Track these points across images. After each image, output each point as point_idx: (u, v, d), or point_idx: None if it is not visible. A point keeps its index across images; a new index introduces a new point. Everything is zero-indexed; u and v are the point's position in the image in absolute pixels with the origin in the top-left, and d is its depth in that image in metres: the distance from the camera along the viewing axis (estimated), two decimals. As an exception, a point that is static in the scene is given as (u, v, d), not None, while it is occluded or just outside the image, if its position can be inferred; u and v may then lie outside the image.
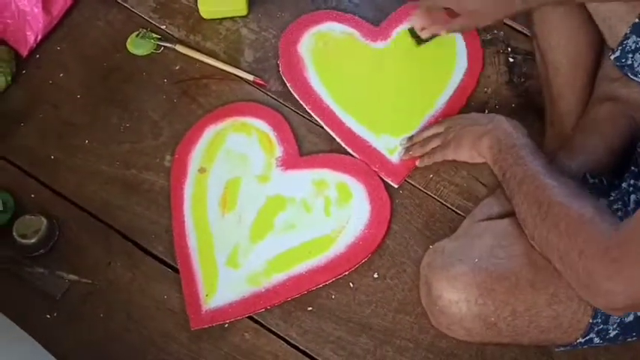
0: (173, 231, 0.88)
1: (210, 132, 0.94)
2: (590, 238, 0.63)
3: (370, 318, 0.85)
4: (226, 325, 0.84)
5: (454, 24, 0.85)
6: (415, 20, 0.90)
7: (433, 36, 0.91)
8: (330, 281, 0.86)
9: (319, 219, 0.88)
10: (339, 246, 0.87)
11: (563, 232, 0.65)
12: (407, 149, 0.92)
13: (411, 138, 0.93)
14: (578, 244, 0.63)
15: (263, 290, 0.84)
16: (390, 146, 0.93)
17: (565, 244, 0.65)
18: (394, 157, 0.93)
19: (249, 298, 0.84)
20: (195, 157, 0.92)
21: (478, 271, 0.70)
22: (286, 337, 0.84)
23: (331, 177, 0.91)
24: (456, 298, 0.70)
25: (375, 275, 0.87)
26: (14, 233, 0.84)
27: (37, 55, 1.00)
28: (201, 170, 0.91)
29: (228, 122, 0.94)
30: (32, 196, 0.90)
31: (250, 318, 0.84)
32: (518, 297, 0.69)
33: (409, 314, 0.85)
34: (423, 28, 0.89)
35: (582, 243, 0.63)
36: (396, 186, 0.92)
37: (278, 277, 0.85)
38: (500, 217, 0.77)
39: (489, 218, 0.78)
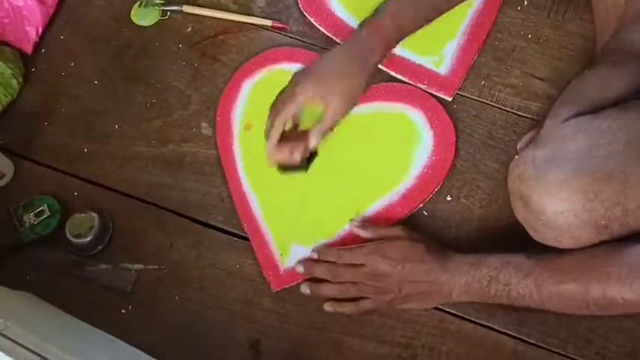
0: (232, 197, 0.83)
1: (247, 86, 0.88)
2: None
3: (454, 241, 0.80)
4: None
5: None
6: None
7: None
8: (405, 217, 0.81)
9: (383, 154, 0.83)
10: (409, 179, 0.81)
11: None
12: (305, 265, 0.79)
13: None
14: None
15: (338, 239, 0.80)
16: (436, 59, 0.87)
17: None
18: (441, 70, 0.87)
19: None
20: (238, 115, 0.86)
21: (580, 175, 0.64)
22: (371, 281, 0.80)
23: (386, 108, 0.85)
24: (561, 208, 0.64)
25: (448, 198, 0.83)
26: (68, 235, 0.81)
27: (43, 50, 0.94)
28: (247, 127, 0.86)
29: (264, 73, 0.88)
30: (75, 194, 0.86)
31: (329, 269, 0.80)
32: (629, 194, 0.63)
33: (493, 230, 0.81)
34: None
35: None
36: (449, 99, 0.86)
37: (351, 223, 0.80)
38: (590, 110, 0.70)
39: (577, 114, 0.70)
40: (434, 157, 0.82)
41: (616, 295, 0.65)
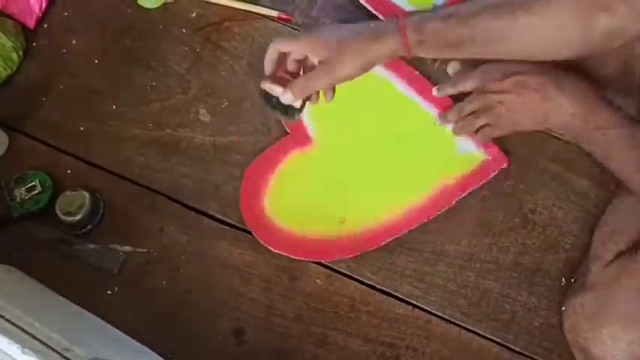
0: None
1: None
2: None
3: (444, 245, 0.80)
4: (296, 274, 0.79)
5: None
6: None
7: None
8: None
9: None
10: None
11: None
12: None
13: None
14: None
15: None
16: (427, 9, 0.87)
17: None
18: None
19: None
20: None
21: (632, 325, 0.66)
22: (360, 278, 0.79)
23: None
24: (620, 357, 0.67)
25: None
26: (58, 212, 0.80)
27: (45, 25, 0.93)
28: None
29: None
30: (68, 171, 0.85)
31: (318, 263, 0.80)
32: None
33: (486, 236, 0.80)
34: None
35: None
36: None
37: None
38: (629, 244, 0.71)
39: (619, 254, 0.71)
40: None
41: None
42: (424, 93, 0.85)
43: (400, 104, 0.86)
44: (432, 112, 0.85)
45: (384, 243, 0.80)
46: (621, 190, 0.77)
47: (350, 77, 0.71)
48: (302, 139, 0.85)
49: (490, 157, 0.82)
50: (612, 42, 0.66)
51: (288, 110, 0.73)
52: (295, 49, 0.71)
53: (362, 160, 0.84)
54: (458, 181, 0.82)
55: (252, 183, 0.83)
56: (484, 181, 0.82)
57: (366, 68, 0.71)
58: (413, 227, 0.80)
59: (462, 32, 0.68)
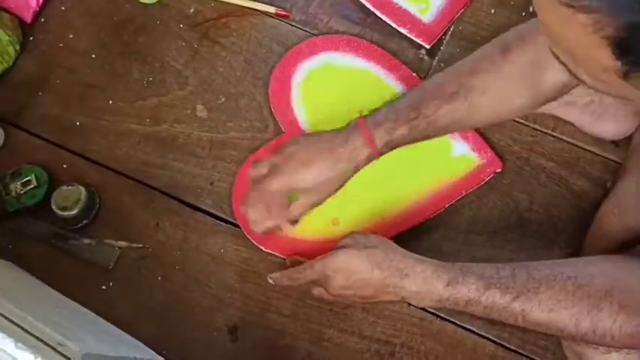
0: None
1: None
2: None
3: (439, 243, 0.80)
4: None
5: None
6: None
7: None
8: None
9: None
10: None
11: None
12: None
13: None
14: None
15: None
16: (422, 7, 0.89)
17: None
18: (425, 17, 0.89)
19: None
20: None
21: None
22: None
23: None
24: None
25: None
26: (53, 206, 0.80)
27: (42, 19, 0.93)
28: None
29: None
30: (64, 166, 0.85)
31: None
32: None
33: (481, 234, 0.80)
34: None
35: None
36: (427, 46, 0.88)
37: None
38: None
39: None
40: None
41: (606, 333, 0.61)
42: None
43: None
44: None
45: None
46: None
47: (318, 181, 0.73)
48: None
49: (485, 161, 0.82)
50: (565, 91, 0.68)
51: None
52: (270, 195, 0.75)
53: None
54: (453, 184, 0.82)
55: (245, 180, 0.82)
56: (477, 186, 0.81)
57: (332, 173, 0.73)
58: (406, 229, 0.80)
59: (425, 127, 0.72)
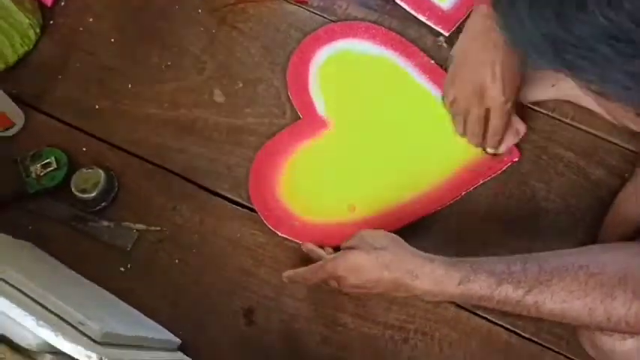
0: None
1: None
2: None
3: (456, 231, 0.80)
4: (308, 256, 0.80)
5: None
6: None
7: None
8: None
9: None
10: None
11: None
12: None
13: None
14: None
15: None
16: None
17: None
18: (444, 5, 0.89)
19: None
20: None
21: None
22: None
23: None
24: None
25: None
26: (73, 189, 0.81)
27: (62, 3, 0.94)
28: None
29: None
30: (84, 149, 0.86)
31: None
32: None
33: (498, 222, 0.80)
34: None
35: None
36: (446, 34, 0.87)
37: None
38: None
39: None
40: None
41: (621, 320, 0.61)
42: (438, 82, 0.85)
43: (414, 92, 0.86)
44: None
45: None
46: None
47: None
48: (315, 124, 0.85)
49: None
50: None
51: None
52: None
53: (375, 147, 0.84)
54: (470, 172, 0.82)
55: (261, 166, 0.83)
56: (494, 174, 0.81)
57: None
58: (422, 216, 0.80)
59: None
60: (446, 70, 0.85)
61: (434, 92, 0.85)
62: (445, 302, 0.75)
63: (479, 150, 0.82)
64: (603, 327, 0.62)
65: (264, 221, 0.81)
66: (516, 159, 0.82)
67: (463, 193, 0.81)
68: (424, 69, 0.86)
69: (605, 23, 0.36)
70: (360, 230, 0.72)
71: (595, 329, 0.66)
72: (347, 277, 0.69)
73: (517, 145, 0.82)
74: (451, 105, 0.80)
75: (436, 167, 0.82)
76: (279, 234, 0.81)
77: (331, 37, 0.89)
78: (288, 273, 0.76)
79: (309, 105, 0.86)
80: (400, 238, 0.70)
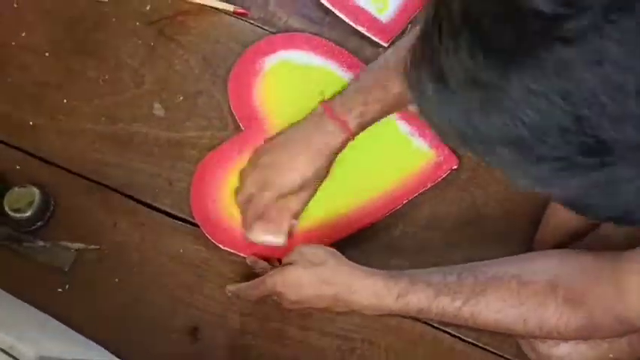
0: None
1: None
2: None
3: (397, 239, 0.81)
4: (252, 270, 0.79)
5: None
6: None
7: None
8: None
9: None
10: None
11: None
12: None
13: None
14: None
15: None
16: (380, 6, 0.90)
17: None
18: (383, 17, 0.90)
19: None
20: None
21: None
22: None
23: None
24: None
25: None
26: (6, 208, 0.78)
27: (-7, 17, 0.91)
28: None
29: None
30: (17, 167, 0.83)
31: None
32: None
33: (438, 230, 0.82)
34: None
35: None
36: (385, 44, 0.88)
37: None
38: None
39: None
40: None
41: (553, 330, 0.63)
42: None
43: None
44: None
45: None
46: None
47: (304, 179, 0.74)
48: (258, 135, 0.84)
49: (442, 158, 0.83)
50: None
51: None
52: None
53: None
54: (411, 180, 0.82)
55: (203, 178, 0.82)
56: (435, 182, 0.83)
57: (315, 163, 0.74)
58: (365, 225, 0.81)
59: (395, 103, 0.74)
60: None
61: None
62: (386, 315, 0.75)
63: (419, 158, 0.83)
64: (536, 335, 0.64)
65: (207, 235, 0.80)
66: (455, 166, 0.83)
67: (404, 202, 0.82)
68: None
69: (508, 129, 0.37)
70: (299, 245, 0.72)
71: (528, 337, 0.68)
72: (286, 293, 0.69)
73: (455, 152, 0.84)
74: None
75: (379, 176, 0.83)
76: (222, 247, 0.80)
77: (272, 49, 0.89)
78: (231, 287, 0.75)
79: (251, 116, 0.86)
80: (339, 253, 0.71)
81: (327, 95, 0.80)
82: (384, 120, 0.83)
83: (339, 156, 0.77)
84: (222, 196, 0.82)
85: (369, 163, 0.83)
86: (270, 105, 0.86)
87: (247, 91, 0.87)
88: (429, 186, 0.83)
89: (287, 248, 0.73)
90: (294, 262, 0.70)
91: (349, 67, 0.88)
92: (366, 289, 0.67)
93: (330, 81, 0.87)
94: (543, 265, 0.65)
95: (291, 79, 0.88)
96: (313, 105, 0.85)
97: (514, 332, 0.66)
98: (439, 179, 0.83)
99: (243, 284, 0.74)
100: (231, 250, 0.80)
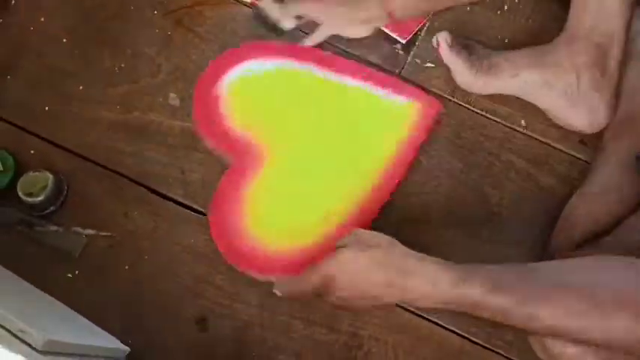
0: None
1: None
2: None
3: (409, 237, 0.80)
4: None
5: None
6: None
7: None
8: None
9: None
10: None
11: None
12: None
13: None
14: None
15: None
16: None
17: None
18: None
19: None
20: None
21: None
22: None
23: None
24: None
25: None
26: (19, 192, 0.78)
27: (13, 2, 0.91)
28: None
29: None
30: (32, 152, 0.84)
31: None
32: None
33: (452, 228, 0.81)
34: None
35: None
36: (403, 41, 0.88)
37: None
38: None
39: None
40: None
41: (619, 343, 0.60)
42: (340, 70, 0.85)
43: (323, 88, 0.85)
44: (354, 84, 0.85)
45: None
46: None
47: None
48: (250, 163, 0.81)
49: (425, 105, 0.83)
50: None
51: (277, 27, 0.84)
52: None
53: (318, 154, 0.82)
54: (407, 139, 0.82)
55: (219, 219, 0.79)
56: (428, 132, 0.83)
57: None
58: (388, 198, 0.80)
59: None
60: (399, 75, 0.87)
61: (341, 80, 0.85)
62: (436, 310, 0.72)
63: (405, 114, 0.83)
64: (598, 345, 0.62)
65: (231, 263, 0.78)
66: (440, 108, 0.84)
67: (412, 159, 0.82)
68: (322, 63, 0.85)
69: None
70: (355, 229, 0.70)
71: (590, 346, 0.65)
72: (339, 278, 0.66)
73: (438, 97, 0.85)
74: None
75: (377, 150, 0.82)
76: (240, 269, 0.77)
77: (220, 72, 0.85)
78: (279, 287, 0.72)
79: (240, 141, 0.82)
80: (394, 239, 0.68)
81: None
82: (354, 94, 0.84)
83: (339, 144, 0.79)
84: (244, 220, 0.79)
85: (362, 142, 0.83)
86: (248, 122, 0.83)
87: (215, 114, 0.83)
88: (427, 135, 0.83)
89: (319, 258, 0.69)
90: (348, 245, 0.67)
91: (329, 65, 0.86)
92: (421, 272, 0.64)
93: (295, 78, 0.85)
94: (613, 277, 0.62)
95: (255, 90, 0.85)
96: (288, 109, 0.83)
97: (572, 340, 0.64)
98: (432, 122, 0.83)
99: (291, 280, 0.71)
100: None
